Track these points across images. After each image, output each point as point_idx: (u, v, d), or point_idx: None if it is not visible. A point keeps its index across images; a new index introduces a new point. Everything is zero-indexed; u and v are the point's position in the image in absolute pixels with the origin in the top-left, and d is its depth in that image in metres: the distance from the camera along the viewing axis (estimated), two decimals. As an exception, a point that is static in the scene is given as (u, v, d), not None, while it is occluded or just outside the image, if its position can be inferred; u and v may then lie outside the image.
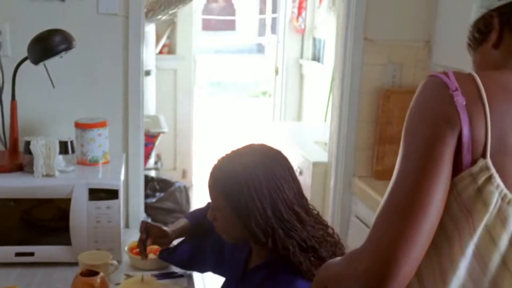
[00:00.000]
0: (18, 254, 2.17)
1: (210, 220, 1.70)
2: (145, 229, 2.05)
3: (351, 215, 2.95)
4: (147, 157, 4.42)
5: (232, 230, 1.65)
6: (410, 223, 1.03)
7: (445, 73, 1.11)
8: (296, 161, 3.91)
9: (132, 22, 2.51)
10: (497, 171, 1.07)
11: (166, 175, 5.00)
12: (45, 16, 2.41)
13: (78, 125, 2.31)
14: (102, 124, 2.32)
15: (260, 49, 13.27)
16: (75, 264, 2.10)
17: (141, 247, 2.05)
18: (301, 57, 5.41)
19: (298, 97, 5.38)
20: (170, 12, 2.99)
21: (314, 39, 5.28)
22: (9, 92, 2.31)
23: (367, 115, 2.90)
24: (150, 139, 4.37)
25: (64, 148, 2.22)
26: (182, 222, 2.08)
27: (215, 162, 1.67)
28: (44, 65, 2.22)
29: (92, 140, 2.30)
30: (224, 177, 1.60)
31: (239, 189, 1.56)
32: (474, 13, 1.26)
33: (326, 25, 4.81)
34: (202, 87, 9.34)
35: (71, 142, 2.25)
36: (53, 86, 2.25)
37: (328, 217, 3.13)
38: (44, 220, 2.23)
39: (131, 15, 2.50)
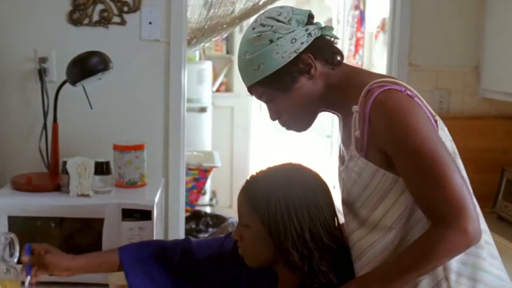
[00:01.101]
0: (50, 273, 2.17)
1: (235, 239, 1.57)
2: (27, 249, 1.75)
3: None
4: (199, 191, 4.43)
5: (261, 251, 1.52)
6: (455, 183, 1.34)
7: (397, 84, 1.45)
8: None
9: (174, 48, 2.54)
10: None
11: (221, 211, 4.98)
12: (90, 42, 2.45)
13: (115, 147, 2.32)
14: (140, 147, 2.33)
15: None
16: (107, 285, 2.08)
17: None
18: (359, 94, 5.33)
19: (356, 135, 5.28)
20: (213, 39, 3.02)
21: (371, 76, 5.19)
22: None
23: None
24: (203, 173, 4.38)
25: (100, 168, 2.23)
26: (108, 255, 1.82)
27: (248, 178, 1.56)
28: (83, 87, 2.26)
29: (129, 163, 2.31)
30: (260, 193, 1.48)
31: (277, 207, 1.45)
32: (273, 61, 1.46)
33: (383, 61, 4.74)
34: (266, 127, 9.33)
35: (107, 163, 2.25)
36: (91, 108, 2.28)
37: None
38: (77, 240, 2.23)
39: (172, 41, 2.54)
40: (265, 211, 1.46)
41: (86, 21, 2.51)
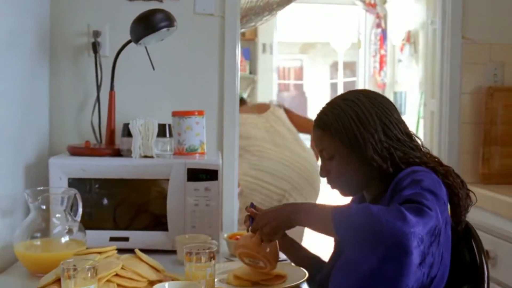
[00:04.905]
0: (112, 239, 2.09)
1: (323, 176, 1.63)
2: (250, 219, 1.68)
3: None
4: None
5: (350, 175, 1.58)
6: None
7: None
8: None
9: (228, 22, 2.53)
10: None
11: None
12: (144, 16, 2.44)
13: (174, 114, 2.25)
14: (200, 113, 2.26)
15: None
16: (172, 251, 2.01)
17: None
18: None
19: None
20: (264, 18, 3.01)
21: (395, 93, 5.21)
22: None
23: (470, 116, 2.78)
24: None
25: (162, 130, 2.19)
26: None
27: (317, 112, 1.64)
28: (145, 47, 2.23)
29: (189, 128, 2.24)
30: (331, 116, 1.57)
31: (349, 122, 1.54)
32: None
33: (407, 77, 4.76)
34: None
35: (169, 125, 2.21)
36: (153, 69, 2.26)
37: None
38: (141, 204, 2.16)
39: (227, 15, 2.53)
40: (341, 130, 1.55)
41: (140, -5, 2.50)
